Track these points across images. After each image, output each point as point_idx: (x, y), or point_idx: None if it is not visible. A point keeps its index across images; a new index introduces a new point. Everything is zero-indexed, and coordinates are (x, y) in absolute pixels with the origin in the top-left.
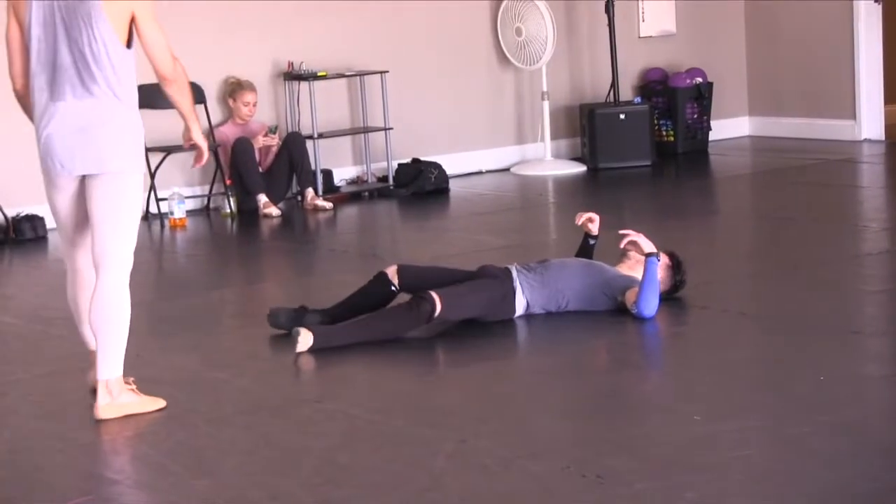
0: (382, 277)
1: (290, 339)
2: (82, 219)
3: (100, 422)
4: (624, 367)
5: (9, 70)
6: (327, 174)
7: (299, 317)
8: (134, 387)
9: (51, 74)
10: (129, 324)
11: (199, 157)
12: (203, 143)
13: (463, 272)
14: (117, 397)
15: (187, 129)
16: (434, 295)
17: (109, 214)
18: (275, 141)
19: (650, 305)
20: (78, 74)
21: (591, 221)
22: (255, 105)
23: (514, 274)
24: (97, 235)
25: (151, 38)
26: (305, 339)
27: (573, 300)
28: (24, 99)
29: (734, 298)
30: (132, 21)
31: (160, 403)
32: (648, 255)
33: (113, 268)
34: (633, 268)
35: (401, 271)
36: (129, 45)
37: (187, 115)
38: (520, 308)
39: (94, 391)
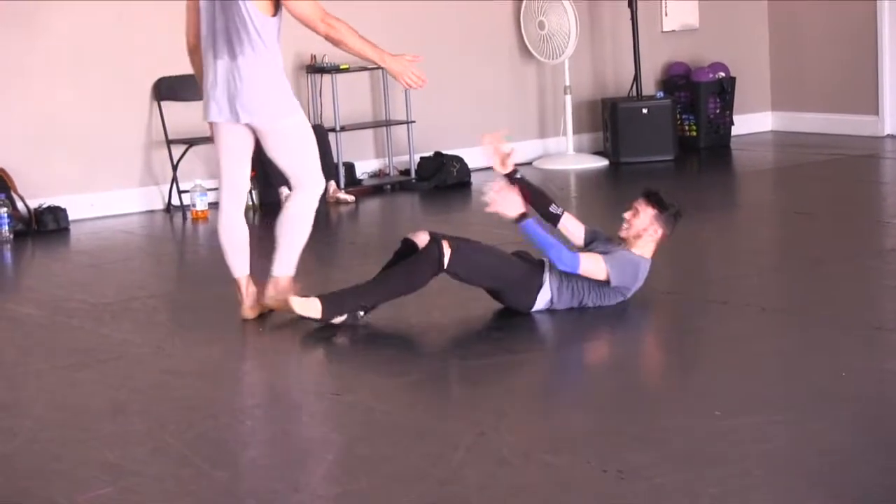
0: (407, 243)
1: (312, 331)
2: (237, 162)
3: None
4: (644, 361)
5: (186, 30)
6: (349, 167)
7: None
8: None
9: (212, 38)
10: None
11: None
12: (397, 66)
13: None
14: (282, 293)
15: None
16: (444, 241)
17: (284, 153)
18: None
19: (557, 262)
20: (228, 39)
21: (501, 156)
22: None
23: (546, 268)
24: (286, 168)
25: (293, 7)
26: (310, 305)
27: (593, 298)
28: (193, 55)
29: (755, 293)
30: None
31: (315, 312)
32: (515, 220)
33: (303, 188)
34: (640, 247)
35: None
36: (275, 13)
37: (368, 55)
38: (542, 303)
39: (244, 319)
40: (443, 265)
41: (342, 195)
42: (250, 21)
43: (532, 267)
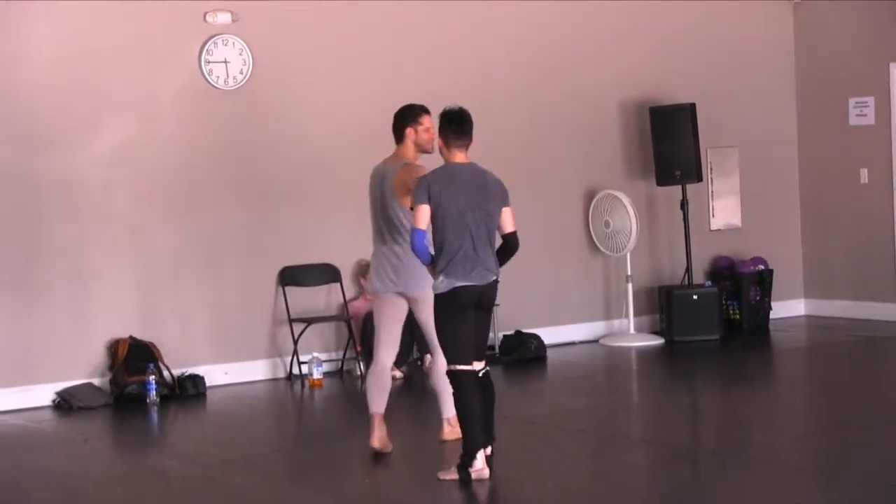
0: (472, 376)
1: (409, 480)
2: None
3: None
4: None
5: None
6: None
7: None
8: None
9: (378, 228)
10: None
11: None
12: None
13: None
14: (454, 426)
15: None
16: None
17: (430, 318)
18: None
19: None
20: (389, 230)
21: None
22: None
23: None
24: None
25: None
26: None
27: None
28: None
29: (791, 455)
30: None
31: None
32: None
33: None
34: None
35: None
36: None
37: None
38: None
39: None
40: None
41: (394, 372)
42: (397, 216)
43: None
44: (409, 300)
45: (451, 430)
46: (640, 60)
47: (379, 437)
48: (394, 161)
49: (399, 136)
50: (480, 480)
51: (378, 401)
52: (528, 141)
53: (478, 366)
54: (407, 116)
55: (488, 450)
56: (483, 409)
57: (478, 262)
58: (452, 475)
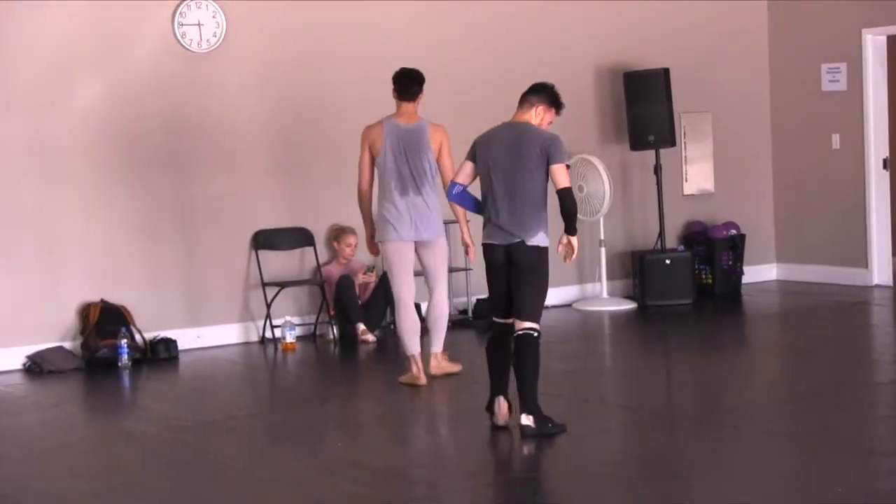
0: (500, 328)
1: (382, 444)
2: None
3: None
4: (663, 477)
5: (359, 178)
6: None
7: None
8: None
9: (401, 180)
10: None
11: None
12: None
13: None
14: (441, 362)
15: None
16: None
17: (440, 261)
18: (372, 278)
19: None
20: (414, 181)
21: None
22: (355, 246)
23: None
24: (431, 273)
25: (447, 162)
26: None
27: None
28: (362, 194)
29: (763, 419)
30: (440, 148)
31: (458, 367)
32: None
33: (441, 289)
34: None
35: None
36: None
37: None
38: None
39: (411, 384)
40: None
41: (367, 336)
42: (430, 168)
43: None
44: (420, 246)
45: (437, 364)
46: (615, 25)
47: (421, 374)
48: (408, 119)
49: (412, 95)
50: (497, 426)
51: (412, 342)
52: (502, 106)
53: (510, 320)
54: (421, 80)
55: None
56: (503, 364)
57: (500, 221)
58: (408, 379)
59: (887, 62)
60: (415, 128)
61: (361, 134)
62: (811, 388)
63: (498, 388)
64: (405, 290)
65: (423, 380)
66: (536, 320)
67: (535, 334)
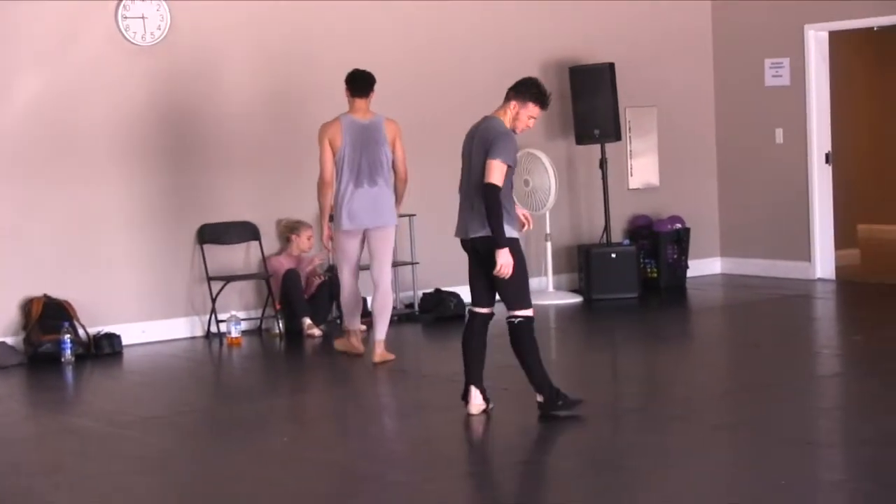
0: (476, 316)
1: (328, 438)
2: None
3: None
4: (609, 470)
5: (321, 172)
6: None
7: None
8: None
9: (358, 172)
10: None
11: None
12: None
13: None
14: (383, 350)
15: (398, 206)
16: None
17: (386, 250)
18: (322, 279)
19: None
20: (370, 173)
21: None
22: (312, 237)
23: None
24: (377, 259)
25: (400, 154)
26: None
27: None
28: (327, 187)
29: (708, 412)
30: (394, 141)
31: (392, 357)
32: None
33: (386, 279)
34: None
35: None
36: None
37: (401, 199)
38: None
39: (347, 352)
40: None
41: (313, 331)
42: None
43: None
44: (370, 233)
45: (381, 353)
46: (561, 20)
47: (360, 346)
48: (364, 115)
49: (366, 92)
50: (470, 415)
51: (353, 319)
52: (449, 100)
53: (484, 310)
54: (373, 80)
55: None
56: (477, 354)
57: (462, 216)
58: (345, 347)
59: (829, 57)
60: (371, 123)
61: (319, 131)
62: (755, 381)
63: (471, 377)
64: (351, 275)
65: (360, 349)
66: (521, 307)
67: (516, 321)
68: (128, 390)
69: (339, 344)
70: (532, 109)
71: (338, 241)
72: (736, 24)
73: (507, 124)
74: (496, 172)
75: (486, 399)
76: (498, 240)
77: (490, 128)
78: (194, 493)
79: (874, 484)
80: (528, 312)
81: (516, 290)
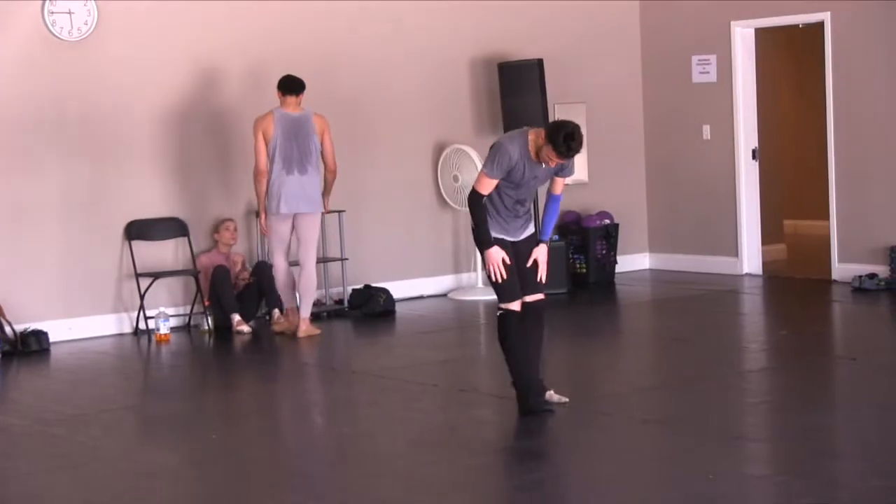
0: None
1: (257, 434)
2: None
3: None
4: (538, 464)
5: (256, 161)
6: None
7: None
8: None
9: (288, 161)
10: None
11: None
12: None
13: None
14: (308, 326)
15: (327, 196)
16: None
17: (312, 234)
18: (249, 281)
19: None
20: (301, 161)
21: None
22: (234, 230)
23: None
24: (303, 243)
25: (328, 147)
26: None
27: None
28: (261, 176)
29: (637, 407)
30: (322, 134)
31: (319, 331)
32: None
33: (311, 261)
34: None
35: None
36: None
37: (330, 189)
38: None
39: (282, 332)
40: None
41: (242, 327)
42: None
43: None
44: (298, 219)
45: (305, 328)
46: (489, 16)
47: (290, 324)
48: (294, 109)
49: (297, 91)
50: None
51: (288, 296)
52: (378, 96)
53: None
54: (303, 84)
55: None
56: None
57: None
58: (284, 327)
59: (755, 54)
60: (301, 116)
61: (254, 124)
62: (682, 376)
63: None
64: (282, 257)
65: (291, 328)
66: (500, 301)
67: (497, 314)
68: (55, 388)
69: (277, 326)
70: (550, 151)
71: (271, 224)
72: (663, 20)
73: (534, 145)
74: (479, 180)
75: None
76: (476, 242)
77: (501, 137)
78: (120, 491)
79: (800, 478)
80: (501, 306)
81: (496, 286)
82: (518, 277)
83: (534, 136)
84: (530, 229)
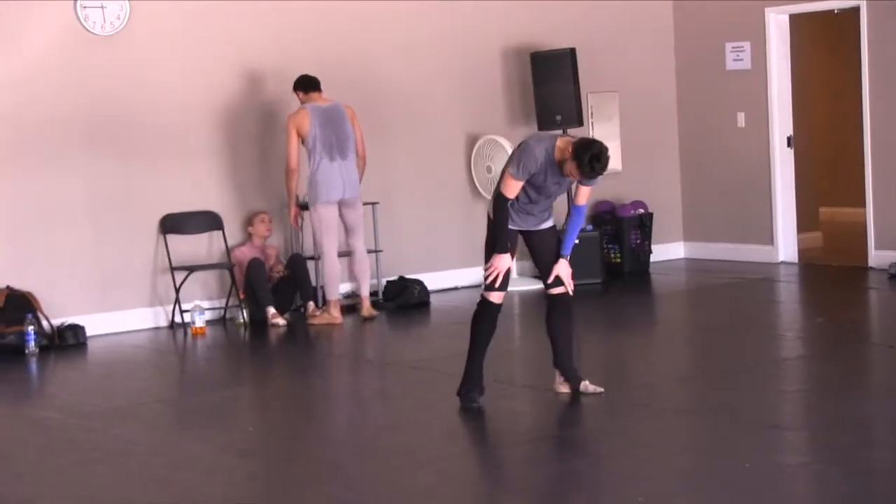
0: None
1: (293, 426)
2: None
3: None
4: (573, 455)
5: (288, 159)
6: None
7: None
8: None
9: (328, 149)
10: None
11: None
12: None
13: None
14: (368, 305)
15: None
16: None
17: (360, 218)
18: (284, 273)
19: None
20: (341, 147)
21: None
22: (270, 223)
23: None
24: (353, 229)
25: (359, 134)
26: None
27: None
28: (293, 173)
29: (671, 397)
30: (352, 121)
31: (377, 313)
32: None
33: (362, 244)
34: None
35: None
36: None
37: (361, 176)
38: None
39: (328, 324)
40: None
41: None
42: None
43: None
44: (343, 205)
45: (367, 307)
46: (521, 6)
47: (338, 314)
48: (323, 102)
49: (318, 88)
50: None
51: (334, 289)
52: (411, 88)
53: (554, 292)
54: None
55: None
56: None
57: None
58: (324, 319)
59: (790, 40)
60: (332, 106)
61: (287, 120)
62: (718, 365)
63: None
64: (332, 245)
65: (339, 319)
66: (483, 287)
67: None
68: (92, 381)
69: (316, 319)
70: (574, 168)
71: (318, 213)
72: (696, 7)
73: (560, 154)
74: (505, 181)
75: (567, 380)
76: (490, 241)
77: (528, 137)
78: (156, 483)
79: (837, 466)
80: (483, 296)
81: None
82: (539, 269)
83: (562, 144)
84: (548, 223)
